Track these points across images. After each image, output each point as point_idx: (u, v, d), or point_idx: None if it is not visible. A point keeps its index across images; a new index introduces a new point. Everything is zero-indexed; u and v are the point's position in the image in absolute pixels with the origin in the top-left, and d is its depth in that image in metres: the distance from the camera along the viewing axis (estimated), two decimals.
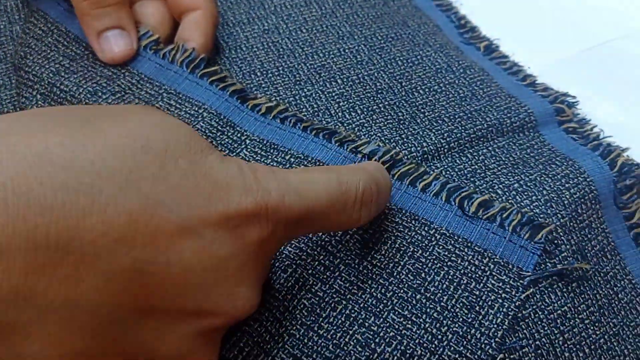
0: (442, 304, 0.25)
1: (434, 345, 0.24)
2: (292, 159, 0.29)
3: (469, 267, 0.26)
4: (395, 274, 0.26)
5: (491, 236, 0.26)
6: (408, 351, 0.24)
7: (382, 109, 0.33)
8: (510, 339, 0.24)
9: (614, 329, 0.27)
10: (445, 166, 0.31)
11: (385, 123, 0.32)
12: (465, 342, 0.24)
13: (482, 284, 0.25)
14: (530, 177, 0.30)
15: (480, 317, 0.25)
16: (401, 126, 0.32)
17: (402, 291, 0.25)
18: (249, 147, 0.30)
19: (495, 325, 0.24)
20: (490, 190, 0.29)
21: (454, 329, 0.24)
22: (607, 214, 0.30)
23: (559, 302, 0.26)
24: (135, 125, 0.19)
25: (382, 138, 0.31)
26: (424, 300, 0.25)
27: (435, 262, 0.26)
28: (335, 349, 0.24)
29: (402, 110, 0.33)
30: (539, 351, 0.25)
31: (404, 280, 0.26)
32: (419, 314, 0.25)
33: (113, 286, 0.18)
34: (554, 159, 0.31)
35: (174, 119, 0.21)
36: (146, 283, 0.18)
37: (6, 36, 0.37)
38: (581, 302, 0.26)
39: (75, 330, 0.18)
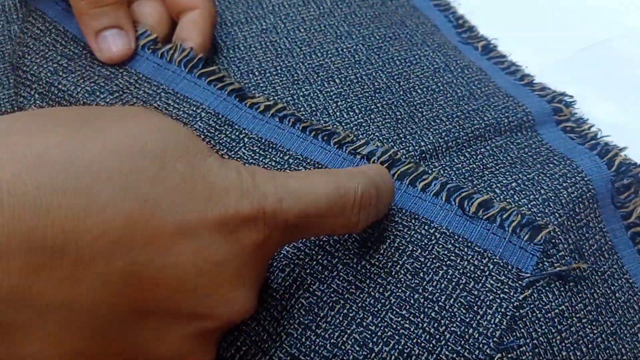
0: (440, 303, 0.25)
1: (431, 345, 0.24)
2: (291, 160, 0.29)
3: (468, 267, 0.26)
4: (393, 273, 0.26)
5: (491, 236, 0.26)
6: (406, 350, 0.24)
7: (380, 108, 0.33)
8: (508, 338, 0.24)
9: (611, 328, 0.27)
10: (444, 165, 0.31)
11: (383, 122, 0.32)
12: (463, 342, 0.24)
13: (480, 284, 0.25)
14: (528, 176, 0.30)
15: (479, 317, 0.25)
16: (399, 125, 0.32)
17: (400, 291, 0.25)
18: (247, 145, 0.30)
19: (493, 325, 0.24)
20: (488, 189, 0.29)
21: (452, 328, 0.24)
22: (604, 213, 0.30)
23: (556, 302, 0.26)
24: (133, 127, 0.19)
25: (380, 137, 0.31)
26: (422, 300, 0.25)
27: (435, 261, 0.26)
28: (333, 349, 0.24)
29: (400, 109, 0.33)
30: (537, 350, 0.25)
31: (402, 279, 0.26)
32: (417, 314, 0.25)
33: (110, 287, 0.18)
34: (552, 158, 0.31)
35: (172, 121, 0.21)
36: (143, 285, 0.18)
37: (4, 35, 0.37)
38: (579, 301, 0.26)
39: (74, 330, 0.18)
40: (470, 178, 0.30)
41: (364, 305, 0.25)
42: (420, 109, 0.33)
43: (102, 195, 0.17)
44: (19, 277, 0.16)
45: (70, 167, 0.17)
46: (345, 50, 0.36)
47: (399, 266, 0.26)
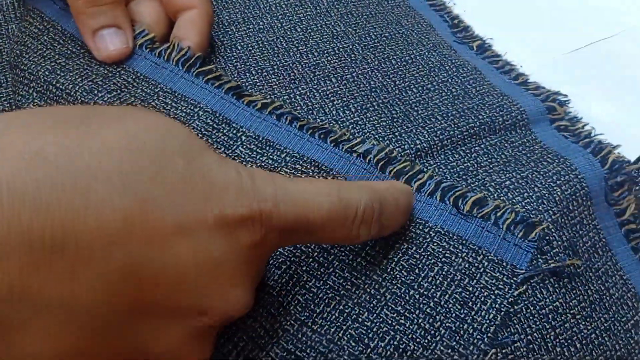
0: (435, 299, 0.25)
1: (427, 340, 0.24)
2: (288, 158, 0.29)
3: (463, 264, 0.26)
4: (389, 270, 0.26)
5: (485, 234, 0.27)
6: (401, 346, 0.24)
7: (375, 107, 0.33)
8: (503, 334, 0.25)
9: (605, 324, 0.27)
10: (438, 163, 0.31)
11: (379, 121, 0.32)
12: (458, 338, 0.24)
13: (475, 281, 0.25)
14: (522, 174, 0.30)
15: (473, 312, 0.25)
16: (395, 124, 0.32)
17: (395, 287, 0.26)
18: (244, 144, 0.30)
19: (488, 321, 0.25)
20: (482, 187, 0.29)
21: (447, 324, 0.25)
22: (598, 211, 0.30)
23: (550, 298, 0.26)
24: (132, 126, 0.19)
25: (376, 136, 0.32)
26: (417, 296, 0.25)
27: (429, 258, 0.26)
28: (329, 344, 0.25)
29: (395, 108, 0.33)
30: (531, 346, 0.25)
31: (398, 276, 0.26)
32: (412, 310, 0.25)
33: (108, 285, 0.18)
34: (546, 156, 0.31)
35: (171, 120, 0.21)
36: (140, 281, 0.18)
37: (2, 34, 0.37)
38: (573, 298, 0.27)
39: (71, 328, 0.18)
40: (464, 176, 0.30)
41: (359, 301, 0.25)
42: (415, 108, 0.33)
43: (100, 194, 0.17)
44: (18, 275, 0.17)
45: (69, 165, 0.17)
46: (341, 49, 0.36)
47: (394, 263, 0.26)
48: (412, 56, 0.36)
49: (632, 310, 0.29)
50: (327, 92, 0.34)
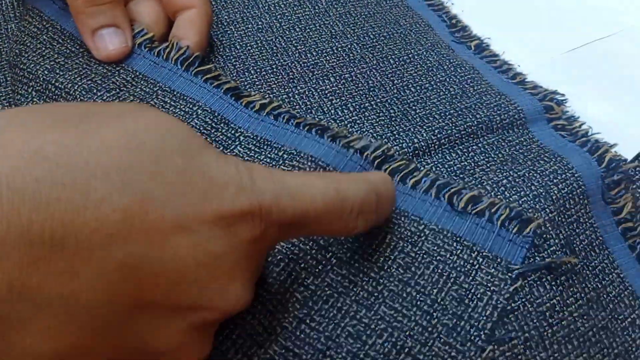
0: (432, 297, 0.25)
1: (424, 337, 0.25)
2: (285, 155, 0.29)
3: (458, 261, 0.26)
4: (385, 267, 0.26)
5: (480, 230, 0.27)
6: (399, 343, 0.24)
7: (374, 106, 0.33)
8: (500, 331, 0.25)
9: (602, 322, 0.27)
10: (436, 162, 0.31)
11: (377, 120, 0.33)
12: (455, 334, 0.24)
13: (471, 277, 0.26)
14: (518, 173, 0.30)
15: (470, 309, 0.25)
16: (393, 123, 0.32)
17: (392, 284, 0.26)
18: (242, 143, 0.30)
19: (485, 318, 0.25)
20: (479, 186, 0.30)
21: (444, 321, 0.25)
22: (595, 209, 0.30)
23: (547, 295, 0.26)
24: (131, 123, 0.19)
25: (374, 134, 0.32)
26: (414, 294, 0.25)
27: (425, 256, 0.26)
28: (327, 341, 0.25)
29: (393, 107, 0.33)
30: (528, 343, 0.25)
31: (394, 274, 0.26)
32: (409, 307, 0.25)
33: (107, 281, 0.18)
34: (543, 155, 0.32)
35: (170, 117, 0.21)
36: (140, 278, 0.18)
37: (1, 34, 0.37)
38: (570, 296, 0.27)
39: (72, 324, 0.18)
40: (461, 175, 0.30)
41: (357, 298, 0.25)
42: (413, 107, 0.33)
43: (99, 191, 0.17)
44: (18, 271, 0.17)
45: (68, 162, 0.17)
46: (340, 49, 0.36)
47: (390, 261, 0.26)
48: (410, 56, 0.36)
49: (629, 308, 0.29)
50: (326, 92, 0.34)
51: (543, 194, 0.29)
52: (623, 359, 0.27)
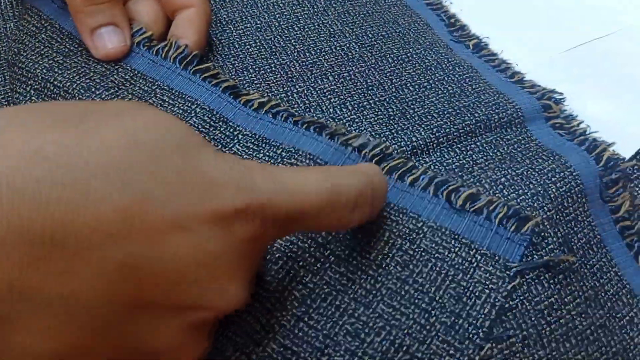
0: (430, 295, 0.25)
1: (422, 335, 0.25)
2: (284, 153, 0.29)
3: (456, 259, 0.26)
4: (384, 265, 0.26)
5: (478, 228, 0.27)
6: (397, 341, 0.24)
7: (372, 105, 0.33)
8: (498, 329, 0.25)
9: (600, 320, 0.27)
10: (434, 161, 0.31)
11: (376, 119, 0.33)
12: (453, 332, 0.25)
13: (469, 275, 0.26)
14: (517, 171, 0.30)
15: (468, 307, 0.25)
16: (391, 122, 0.33)
17: (390, 282, 0.26)
18: (241, 142, 0.30)
19: (483, 316, 0.25)
20: (477, 184, 0.30)
21: (442, 319, 0.25)
22: (593, 208, 0.30)
23: (545, 294, 0.26)
24: (129, 122, 0.19)
25: (373, 133, 0.32)
26: (412, 292, 0.25)
27: (423, 254, 0.26)
28: (325, 339, 0.25)
29: (392, 106, 0.33)
30: (526, 341, 0.25)
31: (393, 271, 0.26)
32: (407, 305, 0.25)
33: (107, 281, 0.18)
34: (541, 153, 0.32)
35: (168, 115, 0.21)
36: (139, 278, 0.18)
37: (0, 33, 0.37)
38: (568, 294, 0.27)
39: (70, 324, 0.18)
40: (460, 173, 0.30)
41: (355, 296, 0.26)
42: (412, 106, 0.33)
43: (97, 190, 0.17)
44: (18, 271, 0.17)
45: (68, 162, 0.17)
46: (338, 48, 0.36)
47: (388, 259, 0.26)
48: (408, 54, 0.36)
49: (627, 306, 0.29)
50: (325, 90, 0.34)
51: (541, 192, 0.29)
52: (621, 357, 0.27)
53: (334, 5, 0.38)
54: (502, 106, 0.34)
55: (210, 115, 0.30)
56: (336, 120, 0.32)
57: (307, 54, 0.36)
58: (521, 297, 0.25)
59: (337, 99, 0.33)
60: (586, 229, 0.30)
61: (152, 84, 0.31)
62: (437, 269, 0.26)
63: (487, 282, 0.25)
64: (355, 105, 0.33)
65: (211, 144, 0.30)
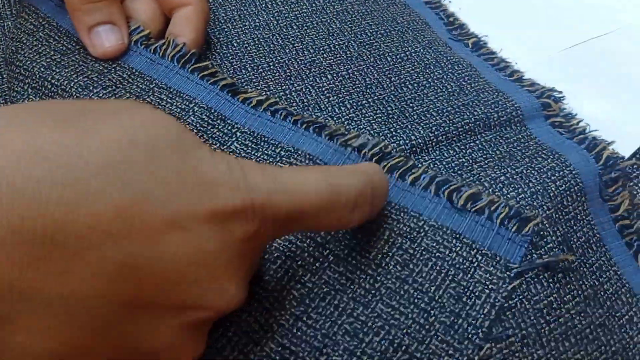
0: (429, 294, 0.25)
1: (421, 335, 0.24)
2: (282, 152, 0.29)
3: (457, 259, 0.26)
4: (383, 265, 0.26)
5: (479, 228, 0.27)
6: (396, 341, 0.24)
7: (371, 103, 0.33)
8: (497, 328, 0.25)
9: (599, 319, 0.27)
10: (433, 159, 0.31)
11: (375, 117, 0.33)
12: (452, 332, 0.24)
13: (469, 275, 0.26)
14: (516, 170, 0.30)
15: (468, 307, 0.25)
16: (390, 120, 0.32)
17: (390, 282, 0.26)
18: (239, 140, 0.30)
19: (482, 316, 0.25)
20: (477, 183, 0.30)
21: (442, 319, 0.25)
22: (592, 207, 0.30)
23: (545, 293, 0.26)
24: (125, 120, 0.19)
25: (371, 132, 0.32)
26: (411, 291, 0.25)
27: (424, 253, 0.26)
28: (324, 339, 0.25)
29: (391, 104, 0.33)
30: (525, 341, 0.25)
31: (392, 271, 0.26)
32: (406, 304, 0.25)
33: (101, 279, 0.18)
34: (540, 152, 0.32)
35: (164, 114, 0.21)
36: (136, 276, 0.18)
37: None
38: (567, 293, 0.27)
39: (69, 324, 0.18)
40: (459, 172, 0.30)
41: (354, 296, 0.25)
42: (411, 104, 0.33)
43: (93, 188, 0.17)
44: (18, 271, 0.17)
45: (68, 162, 0.17)
46: (337, 46, 0.36)
47: (388, 258, 0.26)
48: (407, 53, 0.36)
49: (627, 305, 0.29)
50: (323, 89, 0.34)
51: (541, 191, 0.29)
52: (620, 356, 0.27)
53: (332, 3, 0.38)
54: (501, 104, 0.34)
55: (208, 114, 0.30)
56: (334, 118, 0.32)
57: (305, 52, 0.36)
58: (520, 297, 0.25)
59: (335, 97, 0.33)
60: (585, 227, 0.29)
61: (150, 82, 0.31)
62: (438, 268, 0.26)
63: (488, 283, 0.25)
64: (354, 104, 0.33)
65: (210, 143, 0.30)
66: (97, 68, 0.32)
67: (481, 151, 0.32)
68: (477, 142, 0.32)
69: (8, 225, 0.16)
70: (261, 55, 0.35)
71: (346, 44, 0.36)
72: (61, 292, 0.17)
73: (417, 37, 0.37)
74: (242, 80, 0.34)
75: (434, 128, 0.32)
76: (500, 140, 0.32)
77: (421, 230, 0.27)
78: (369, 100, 0.33)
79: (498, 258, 0.26)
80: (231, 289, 0.20)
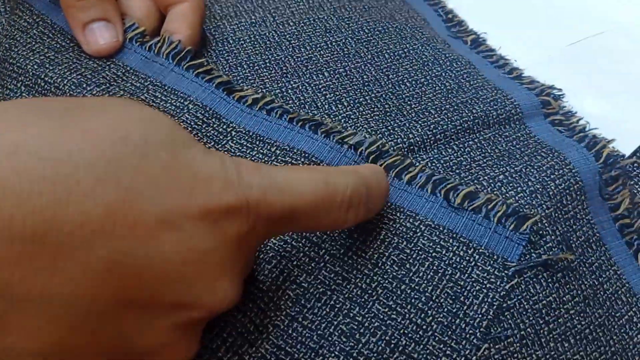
0: (426, 294, 0.25)
1: (418, 335, 0.24)
2: (278, 151, 0.29)
3: (454, 258, 0.26)
4: (380, 264, 0.26)
5: (476, 227, 0.26)
6: (393, 341, 0.24)
7: (368, 101, 0.33)
8: (495, 328, 0.24)
9: (599, 319, 0.27)
10: (431, 158, 0.31)
11: (372, 115, 0.32)
12: (450, 332, 0.24)
13: (466, 275, 0.25)
14: (515, 168, 0.30)
15: (465, 307, 0.25)
16: (387, 118, 0.32)
17: (386, 282, 0.25)
18: (234, 139, 0.29)
19: (480, 315, 0.24)
20: (475, 182, 0.29)
21: (439, 319, 0.24)
22: (592, 205, 0.30)
23: (544, 292, 0.26)
24: (115, 117, 0.19)
25: (369, 130, 0.31)
26: (408, 291, 0.25)
27: (420, 253, 0.26)
28: (320, 340, 0.24)
29: (388, 102, 0.33)
30: (524, 341, 0.25)
31: (389, 270, 0.26)
32: (403, 304, 0.25)
33: (91, 278, 0.17)
34: (540, 150, 0.31)
35: (155, 111, 0.21)
36: (125, 275, 0.18)
37: None
38: (566, 293, 0.26)
39: (53, 322, 0.18)
40: (457, 171, 0.30)
41: (350, 296, 0.25)
42: (408, 102, 0.33)
43: (82, 185, 0.17)
44: (7, 269, 0.16)
45: (48, 157, 0.17)
46: (334, 43, 0.36)
47: (385, 257, 0.26)
48: (405, 50, 0.36)
49: (626, 305, 0.29)
50: (320, 86, 0.33)
51: (540, 189, 0.29)
52: (620, 356, 0.27)
53: (329, 0, 0.38)
54: (500, 102, 0.34)
55: (203, 112, 0.30)
56: (331, 116, 0.32)
57: (302, 49, 0.35)
58: (519, 296, 0.25)
59: (332, 95, 0.33)
60: (585, 226, 0.29)
61: (144, 80, 0.31)
62: (435, 268, 0.25)
63: (485, 282, 0.25)
64: (351, 102, 0.33)
65: (204, 141, 0.29)
66: (91, 66, 0.31)
67: (480, 150, 0.31)
68: (476, 140, 0.32)
69: None
70: (257, 52, 0.35)
71: (343, 41, 0.36)
72: (51, 292, 0.17)
73: (415, 34, 0.37)
74: (238, 78, 0.34)
75: (432, 126, 0.32)
76: (499, 139, 0.32)
77: (417, 230, 0.26)
78: (367, 98, 0.33)
79: (495, 257, 0.26)
80: (225, 288, 0.20)
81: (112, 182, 0.17)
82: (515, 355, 0.24)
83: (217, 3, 0.37)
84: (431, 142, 0.31)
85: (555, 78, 0.37)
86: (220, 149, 0.29)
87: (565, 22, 0.42)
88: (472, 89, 0.34)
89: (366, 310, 0.25)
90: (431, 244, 0.26)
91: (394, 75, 0.34)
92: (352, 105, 0.33)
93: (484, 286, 0.25)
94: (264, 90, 0.33)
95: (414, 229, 0.26)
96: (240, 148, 0.29)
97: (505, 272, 0.25)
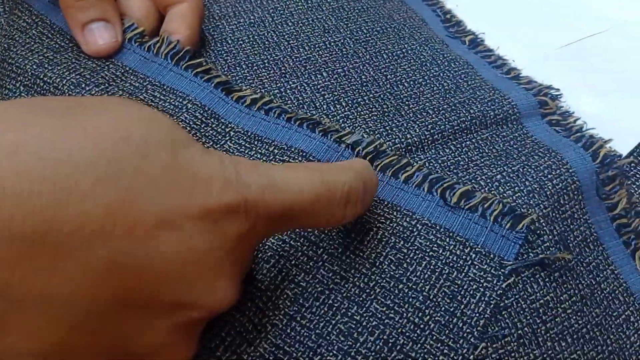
0: (424, 293, 0.25)
1: (416, 335, 0.24)
2: (276, 150, 0.29)
3: (451, 257, 0.26)
4: (377, 264, 0.26)
5: (473, 226, 0.26)
6: (390, 340, 0.24)
7: (366, 101, 0.33)
8: (493, 328, 0.24)
9: (596, 319, 0.27)
10: (429, 158, 0.31)
11: (370, 115, 0.32)
12: (447, 331, 0.24)
13: (463, 274, 0.25)
14: (512, 168, 0.30)
15: (462, 306, 0.25)
16: (385, 118, 0.32)
17: (384, 281, 0.25)
18: (233, 139, 0.30)
19: (477, 314, 0.25)
20: (473, 181, 0.29)
21: (436, 318, 0.25)
22: (589, 205, 0.30)
23: (541, 292, 0.26)
24: (115, 117, 0.19)
25: (367, 130, 0.31)
26: (406, 290, 0.25)
27: (417, 252, 0.26)
28: (318, 339, 0.24)
29: (386, 102, 0.33)
30: (521, 340, 0.25)
31: (386, 270, 0.26)
32: (401, 304, 0.25)
33: (90, 278, 0.17)
34: (537, 150, 0.31)
35: (155, 111, 0.21)
36: (124, 275, 0.18)
37: None
38: (564, 292, 0.26)
39: (53, 322, 0.18)
40: (455, 171, 0.30)
41: (348, 295, 0.25)
42: (406, 102, 0.33)
43: (81, 185, 0.17)
44: (7, 269, 0.16)
45: (48, 157, 0.17)
46: (332, 43, 0.36)
47: (382, 257, 0.26)
48: (403, 50, 0.36)
49: (624, 305, 0.29)
50: (318, 86, 0.33)
51: (537, 189, 0.29)
52: (617, 356, 0.27)
53: (328, 0, 0.38)
54: (497, 102, 0.34)
55: (201, 112, 0.30)
56: (330, 116, 0.32)
57: (300, 49, 0.35)
58: (516, 296, 0.25)
59: (330, 95, 0.33)
60: (582, 226, 0.29)
61: (143, 80, 0.31)
62: (432, 267, 0.26)
63: (482, 281, 0.25)
64: (349, 102, 0.33)
65: (202, 141, 0.29)
66: (90, 66, 0.31)
67: (477, 150, 0.31)
68: (473, 140, 0.32)
69: None
70: (256, 52, 0.35)
71: (342, 41, 0.36)
72: (51, 292, 0.17)
73: (413, 35, 0.37)
74: (237, 78, 0.34)
75: (429, 126, 0.32)
76: (497, 139, 0.32)
77: (414, 230, 0.26)
78: (365, 98, 0.33)
79: (492, 255, 0.26)
80: (224, 287, 0.20)
81: (112, 182, 0.17)
82: (513, 354, 0.24)
83: (216, 3, 0.38)
84: (429, 142, 0.31)
85: (551, 76, 0.37)
86: (218, 148, 0.29)
87: (562, 22, 0.42)
88: (469, 89, 0.34)
89: (364, 309, 0.25)
90: (428, 243, 0.26)
91: (392, 76, 0.34)
92: (350, 105, 0.33)
93: (480, 285, 0.25)
94: (263, 91, 0.33)
95: (410, 228, 0.27)
96: (238, 148, 0.29)
97: (502, 270, 0.25)
